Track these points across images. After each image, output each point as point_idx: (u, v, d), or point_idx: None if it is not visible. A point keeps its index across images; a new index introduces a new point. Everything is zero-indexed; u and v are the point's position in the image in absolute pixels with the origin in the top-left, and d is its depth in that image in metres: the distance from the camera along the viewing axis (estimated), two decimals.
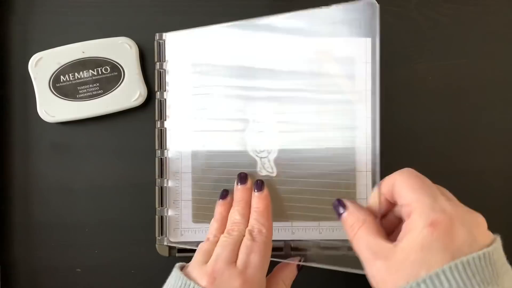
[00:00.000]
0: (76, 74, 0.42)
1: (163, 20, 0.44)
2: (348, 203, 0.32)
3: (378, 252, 0.27)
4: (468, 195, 0.44)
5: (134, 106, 0.43)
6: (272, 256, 0.43)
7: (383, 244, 0.27)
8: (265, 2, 0.45)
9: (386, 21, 0.45)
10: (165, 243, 0.42)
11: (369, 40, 0.44)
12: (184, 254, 0.43)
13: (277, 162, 0.43)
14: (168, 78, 0.43)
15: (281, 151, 0.43)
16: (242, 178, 0.39)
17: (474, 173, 0.45)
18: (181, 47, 0.43)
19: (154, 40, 0.43)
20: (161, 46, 0.42)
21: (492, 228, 0.29)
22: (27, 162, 0.44)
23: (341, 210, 0.32)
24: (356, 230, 0.29)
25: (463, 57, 0.45)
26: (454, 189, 0.44)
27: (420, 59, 0.45)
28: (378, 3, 0.45)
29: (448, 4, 0.46)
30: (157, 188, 0.42)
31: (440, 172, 0.44)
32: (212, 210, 0.43)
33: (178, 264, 0.35)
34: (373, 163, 0.42)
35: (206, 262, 0.34)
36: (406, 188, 0.29)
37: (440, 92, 0.45)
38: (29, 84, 0.43)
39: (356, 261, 0.30)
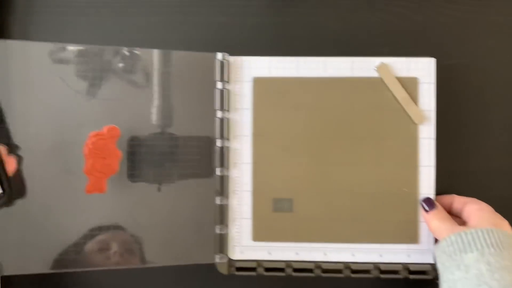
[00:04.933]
0: None
1: (160, 19, 0.45)
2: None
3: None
4: (471, 194, 0.43)
5: None
6: (332, 278, 0.43)
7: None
8: (265, 2, 0.45)
9: (386, 21, 0.45)
10: (224, 261, 0.43)
11: (433, 60, 0.43)
12: (243, 273, 0.43)
13: (337, 180, 0.43)
14: (231, 98, 0.43)
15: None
16: None
17: (473, 173, 0.45)
18: (245, 68, 0.43)
19: (217, 59, 0.43)
20: (224, 66, 0.43)
21: None
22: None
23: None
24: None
25: (463, 57, 0.44)
26: (455, 188, 0.43)
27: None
28: (381, 6, 0.45)
29: (448, 4, 0.45)
30: (217, 205, 0.43)
31: (441, 172, 0.43)
32: (273, 229, 0.43)
33: None
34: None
35: None
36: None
37: (440, 91, 0.43)
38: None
39: None
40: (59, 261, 0.40)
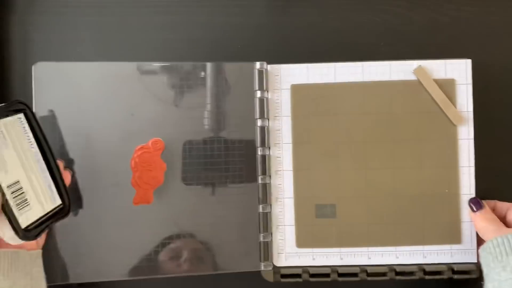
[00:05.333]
0: None
1: (161, 18, 0.45)
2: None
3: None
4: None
5: None
6: (376, 281, 0.43)
7: None
8: (264, 2, 0.46)
9: (386, 21, 0.45)
10: (270, 268, 0.43)
11: (469, 61, 0.43)
12: (289, 279, 0.43)
13: (379, 184, 0.43)
14: (270, 106, 0.43)
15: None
16: None
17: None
18: (283, 76, 0.44)
19: (255, 68, 0.43)
20: (262, 74, 0.43)
21: None
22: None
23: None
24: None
25: (463, 57, 0.44)
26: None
27: (420, 59, 0.44)
28: (381, 6, 0.45)
29: (448, 4, 0.45)
30: (259, 213, 0.43)
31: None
32: (316, 235, 0.43)
33: None
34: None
35: None
36: None
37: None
38: (28, 84, 0.44)
39: None
40: (134, 269, 0.42)
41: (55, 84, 0.42)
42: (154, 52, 0.46)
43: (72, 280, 0.41)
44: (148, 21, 0.46)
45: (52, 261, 0.41)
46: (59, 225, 0.39)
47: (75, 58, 0.46)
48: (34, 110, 0.41)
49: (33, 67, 0.42)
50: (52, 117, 0.41)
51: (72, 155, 0.41)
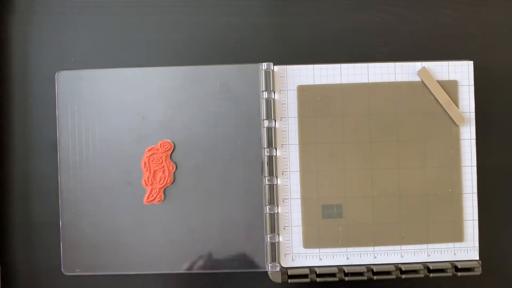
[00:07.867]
0: None
1: (161, 18, 0.46)
2: None
3: None
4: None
5: None
6: (382, 280, 0.43)
7: None
8: (265, 2, 0.46)
9: (386, 21, 0.46)
10: (277, 270, 0.43)
11: (471, 63, 0.44)
12: (296, 280, 0.43)
13: (384, 184, 0.44)
14: (276, 107, 0.43)
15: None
16: None
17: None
18: (289, 77, 0.44)
19: (261, 69, 0.43)
20: (269, 75, 0.43)
21: None
22: (27, 162, 0.45)
23: None
24: None
25: (463, 57, 0.45)
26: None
27: (420, 59, 0.45)
28: (381, 6, 0.46)
29: (448, 4, 0.46)
30: (266, 214, 0.43)
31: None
32: (322, 235, 0.43)
33: None
34: None
35: None
36: None
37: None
38: (28, 83, 0.45)
39: None
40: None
41: (75, 91, 0.44)
42: (154, 52, 0.46)
43: (90, 271, 0.43)
44: (149, 21, 0.46)
45: (70, 253, 0.43)
46: (78, 219, 0.42)
47: (75, 58, 0.45)
48: (57, 116, 0.43)
49: (56, 76, 0.43)
50: (73, 122, 0.43)
51: (90, 156, 0.43)
